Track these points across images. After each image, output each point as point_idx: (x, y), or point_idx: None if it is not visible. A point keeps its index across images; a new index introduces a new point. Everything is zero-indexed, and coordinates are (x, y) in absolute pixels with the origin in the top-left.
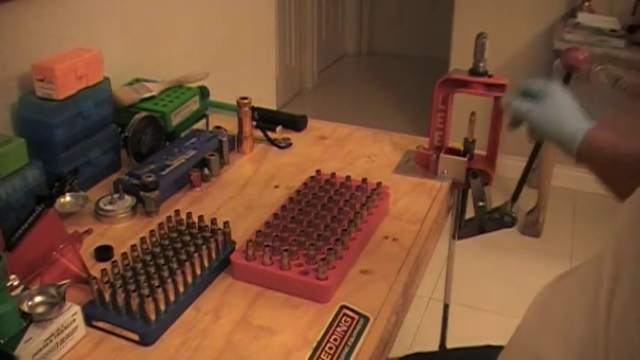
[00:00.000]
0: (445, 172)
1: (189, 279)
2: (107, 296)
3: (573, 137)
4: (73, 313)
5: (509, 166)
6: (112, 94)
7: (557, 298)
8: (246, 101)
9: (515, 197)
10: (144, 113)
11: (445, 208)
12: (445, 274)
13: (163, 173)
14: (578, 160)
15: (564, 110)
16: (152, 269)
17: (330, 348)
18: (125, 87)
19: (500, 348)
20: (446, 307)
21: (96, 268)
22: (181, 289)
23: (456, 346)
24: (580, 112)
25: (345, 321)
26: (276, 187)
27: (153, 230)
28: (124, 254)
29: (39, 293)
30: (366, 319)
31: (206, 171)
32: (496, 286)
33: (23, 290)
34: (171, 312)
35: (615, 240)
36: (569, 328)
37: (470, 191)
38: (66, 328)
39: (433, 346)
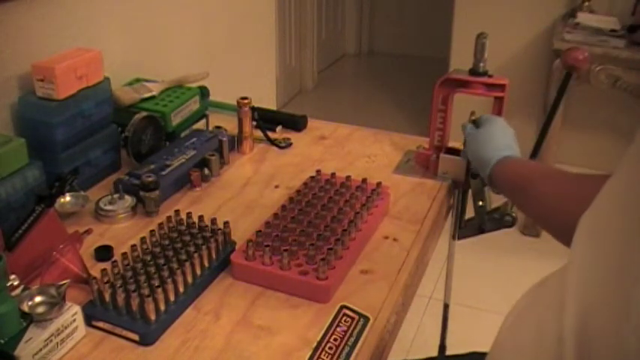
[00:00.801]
0: (445, 172)
1: (189, 279)
2: (107, 296)
3: (489, 161)
4: (73, 313)
5: None
6: (112, 94)
7: (530, 312)
8: (246, 101)
9: None
10: (144, 113)
11: (445, 208)
12: (445, 274)
13: (163, 173)
14: (490, 183)
15: (492, 138)
16: (152, 269)
17: (330, 348)
18: (125, 87)
19: (485, 355)
20: (446, 307)
21: (96, 268)
22: (181, 289)
23: (442, 355)
24: (508, 143)
25: (345, 321)
26: (276, 187)
27: (153, 230)
28: (124, 254)
29: (39, 293)
30: (366, 319)
31: (206, 171)
32: (496, 286)
33: (23, 290)
34: (171, 312)
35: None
36: (540, 353)
37: (470, 191)
38: (66, 328)
39: (433, 345)
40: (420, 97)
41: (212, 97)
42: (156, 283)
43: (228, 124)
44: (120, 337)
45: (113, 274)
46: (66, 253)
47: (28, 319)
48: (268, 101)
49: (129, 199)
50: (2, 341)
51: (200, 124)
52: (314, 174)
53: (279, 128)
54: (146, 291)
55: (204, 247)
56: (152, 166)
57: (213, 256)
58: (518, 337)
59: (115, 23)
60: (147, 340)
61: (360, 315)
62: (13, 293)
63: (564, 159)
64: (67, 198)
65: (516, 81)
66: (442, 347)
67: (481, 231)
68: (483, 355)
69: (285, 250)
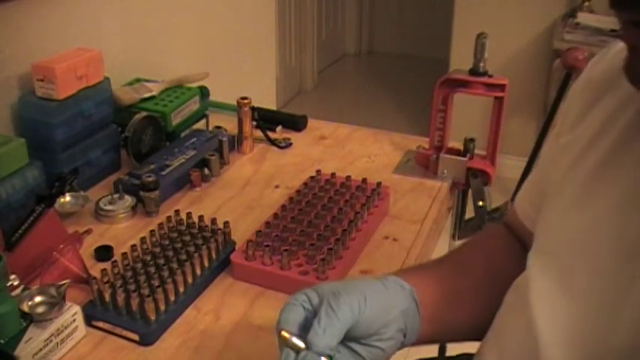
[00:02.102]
0: (445, 172)
1: (189, 279)
2: (107, 296)
3: (390, 312)
4: (73, 313)
5: (509, 166)
6: (112, 94)
7: (513, 313)
8: (246, 101)
9: (515, 197)
10: (144, 113)
11: (445, 208)
12: None
13: (163, 173)
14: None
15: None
16: (152, 269)
17: None
18: (125, 87)
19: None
20: None
21: (96, 268)
22: (181, 289)
23: (442, 355)
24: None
25: None
26: (276, 187)
27: (153, 230)
28: (124, 254)
29: (39, 293)
30: None
31: (206, 171)
32: None
33: (23, 290)
34: (171, 312)
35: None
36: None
37: (470, 191)
38: (66, 328)
39: (433, 346)
40: (420, 97)
41: (212, 97)
42: (156, 283)
43: (228, 124)
44: (120, 337)
45: (113, 274)
46: (66, 253)
47: (28, 319)
48: (268, 101)
49: (129, 199)
50: (2, 341)
51: (200, 124)
52: (314, 174)
53: (279, 128)
54: (146, 291)
55: (204, 247)
56: (152, 166)
57: (213, 256)
58: (503, 338)
59: (115, 23)
60: (147, 340)
61: None
62: (13, 293)
63: None
64: (67, 198)
65: (516, 81)
66: (442, 347)
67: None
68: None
69: (285, 250)
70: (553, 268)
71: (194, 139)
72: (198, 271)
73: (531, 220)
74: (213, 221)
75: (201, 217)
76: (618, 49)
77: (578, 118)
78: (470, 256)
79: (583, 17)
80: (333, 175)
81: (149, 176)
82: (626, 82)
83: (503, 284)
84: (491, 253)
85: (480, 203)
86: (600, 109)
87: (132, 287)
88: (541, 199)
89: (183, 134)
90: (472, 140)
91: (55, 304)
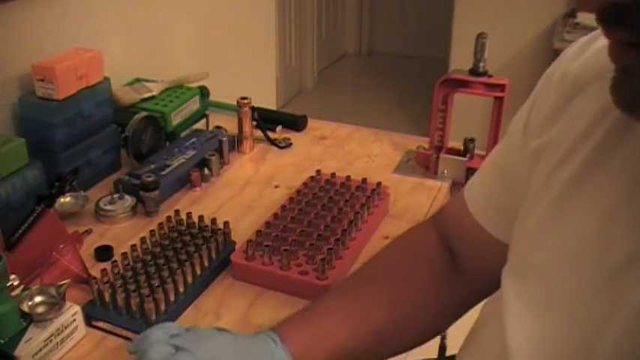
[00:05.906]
0: (445, 172)
1: (190, 279)
2: (107, 296)
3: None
4: (73, 313)
5: None
6: (112, 94)
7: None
8: (246, 101)
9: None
10: (144, 113)
11: None
12: None
13: (163, 173)
14: None
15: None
16: (152, 269)
17: None
18: (125, 87)
19: None
20: None
21: (96, 268)
22: (181, 289)
23: (442, 356)
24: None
25: None
26: (276, 187)
27: (153, 230)
28: (124, 254)
29: (39, 293)
30: None
31: (206, 171)
32: None
33: (23, 290)
34: (171, 312)
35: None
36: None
37: None
38: (66, 328)
39: (433, 346)
40: (420, 97)
41: (212, 97)
42: (156, 283)
43: (228, 124)
44: (120, 337)
45: (113, 274)
46: (66, 253)
47: (28, 319)
48: (268, 101)
49: (129, 199)
50: (2, 341)
51: (200, 124)
52: (314, 174)
53: (279, 128)
54: (146, 291)
55: (204, 247)
56: (152, 166)
57: (213, 256)
58: (479, 345)
59: (114, 23)
60: None
61: None
62: (13, 293)
63: None
64: (67, 198)
65: (516, 81)
66: (442, 348)
67: None
68: None
69: (285, 250)
70: (529, 291)
71: (194, 139)
72: (198, 271)
73: (488, 219)
74: (213, 221)
75: (201, 217)
76: (599, 46)
77: (553, 113)
78: (400, 286)
79: (583, 17)
80: (333, 175)
81: (149, 176)
82: (607, 89)
83: (432, 313)
84: (418, 283)
85: None
86: (579, 111)
87: (132, 287)
88: (507, 198)
89: (183, 134)
90: (472, 140)
91: (55, 304)
